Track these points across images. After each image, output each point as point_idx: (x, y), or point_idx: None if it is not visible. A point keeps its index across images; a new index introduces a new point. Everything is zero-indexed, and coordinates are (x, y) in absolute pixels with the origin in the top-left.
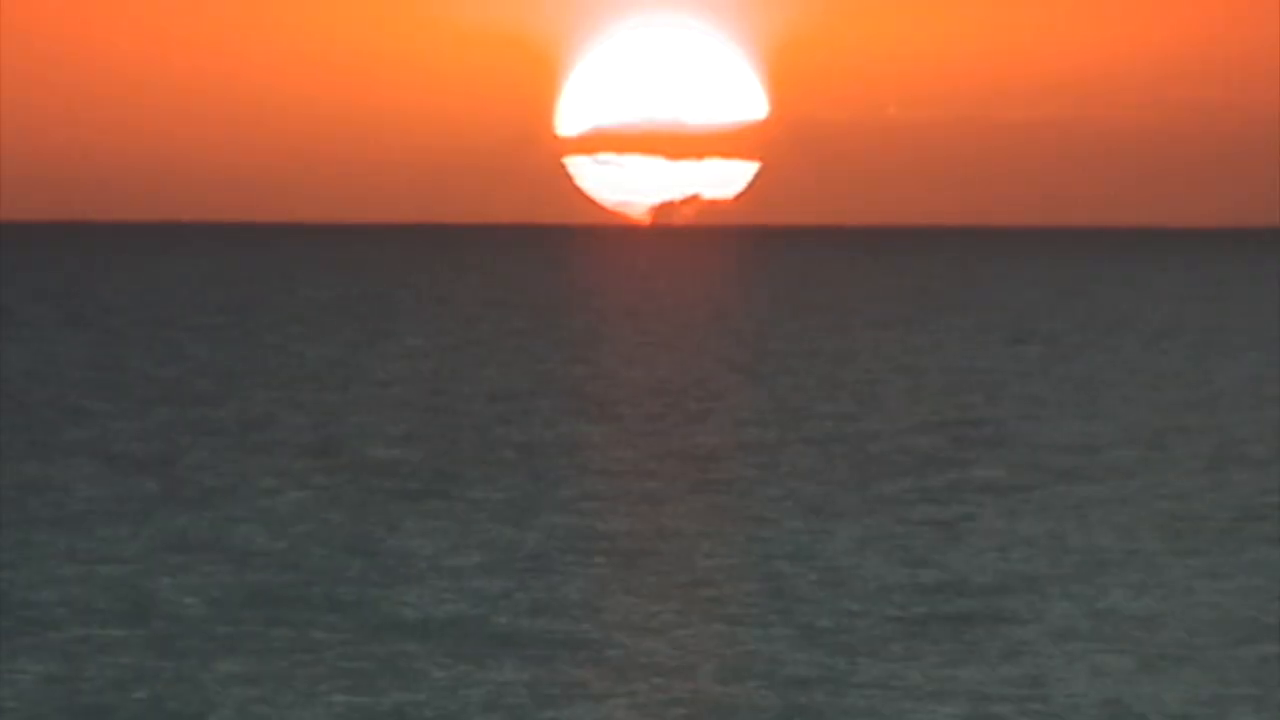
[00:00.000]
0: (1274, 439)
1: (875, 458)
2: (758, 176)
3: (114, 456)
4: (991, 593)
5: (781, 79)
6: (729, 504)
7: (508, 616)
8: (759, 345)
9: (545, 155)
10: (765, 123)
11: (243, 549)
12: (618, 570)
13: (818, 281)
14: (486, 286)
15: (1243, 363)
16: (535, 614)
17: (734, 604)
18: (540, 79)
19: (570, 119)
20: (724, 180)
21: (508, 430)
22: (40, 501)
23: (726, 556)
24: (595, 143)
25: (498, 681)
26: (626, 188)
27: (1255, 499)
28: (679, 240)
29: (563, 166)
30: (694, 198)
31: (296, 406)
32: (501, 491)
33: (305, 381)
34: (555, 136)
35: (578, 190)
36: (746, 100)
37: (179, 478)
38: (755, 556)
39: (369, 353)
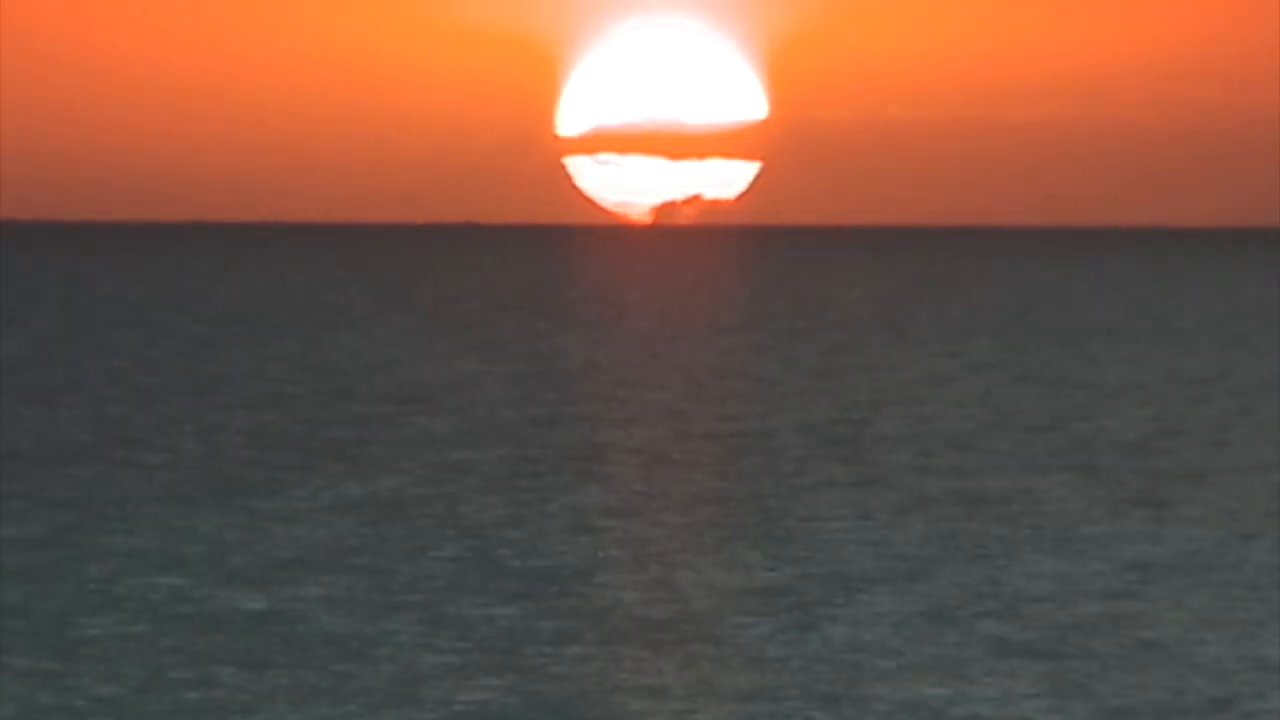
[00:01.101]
0: (1222, 434)
1: (765, 456)
2: (758, 176)
3: (15, 454)
4: (828, 592)
5: (781, 79)
6: (597, 501)
7: (344, 613)
8: (723, 345)
9: (545, 155)
10: (765, 123)
11: (102, 549)
12: (467, 567)
13: (817, 281)
14: (485, 287)
15: (1236, 360)
16: (374, 612)
17: (577, 600)
18: (540, 79)
19: (570, 119)
20: (725, 180)
21: (441, 423)
22: None
23: (577, 552)
24: (595, 143)
25: (353, 688)
26: (627, 188)
27: (1143, 493)
28: (679, 240)
29: (563, 166)
30: (695, 198)
31: (227, 407)
32: (367, 486)
33: (252, 380)
34: (555, 136)
35: (578, 190)
36: (746, 100)
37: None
38: (589, 551)
39: (336, 352)
